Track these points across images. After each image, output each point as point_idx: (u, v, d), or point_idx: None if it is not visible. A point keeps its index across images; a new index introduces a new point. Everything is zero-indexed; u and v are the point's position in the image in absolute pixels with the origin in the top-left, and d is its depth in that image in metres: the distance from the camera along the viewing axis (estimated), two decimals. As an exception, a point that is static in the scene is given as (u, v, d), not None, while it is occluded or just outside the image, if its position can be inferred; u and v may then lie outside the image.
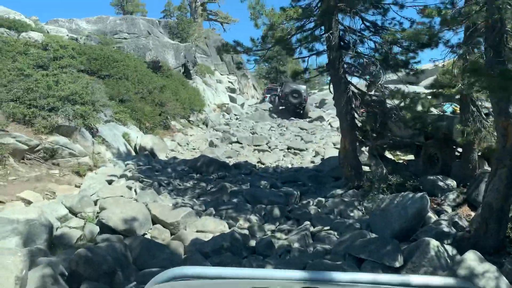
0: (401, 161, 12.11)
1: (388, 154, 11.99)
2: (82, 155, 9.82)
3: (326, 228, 6.51)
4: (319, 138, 15.94)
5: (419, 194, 6.11)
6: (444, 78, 13.60)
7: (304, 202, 7.94)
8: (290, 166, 11.36)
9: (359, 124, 8.46)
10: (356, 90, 7.93)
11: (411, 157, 12.18)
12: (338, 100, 7.94)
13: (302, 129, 18.69)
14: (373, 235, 5.84)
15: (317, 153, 12.78)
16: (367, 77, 8.24)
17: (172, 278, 1.69)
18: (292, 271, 1.89)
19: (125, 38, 21.03)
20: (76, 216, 6.91)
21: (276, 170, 10.70)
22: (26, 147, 8.97)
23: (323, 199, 7.88)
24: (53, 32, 17.46)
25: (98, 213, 6.89)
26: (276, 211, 7.21)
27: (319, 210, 7.46)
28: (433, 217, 6.38)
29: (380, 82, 7.55)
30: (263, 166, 11.47)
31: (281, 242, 6.07)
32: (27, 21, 16.17)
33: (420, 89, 13.29)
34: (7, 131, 9.00)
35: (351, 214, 7.15)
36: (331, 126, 18.73)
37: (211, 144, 14.48)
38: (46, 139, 9.55)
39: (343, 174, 8.46)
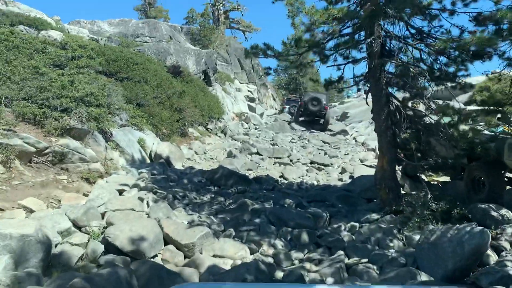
0: (434, 183, 11.13)
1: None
2: (93, 161, 9.14)
3: (363, 260, 5.61)
4: (344, 153, 15.02)
5: (478, 228, 5.18)
6: (482, 95, 12.46)
7: (335, 226, 7.05)
8: (315, 183, 10.48)
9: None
10: (398, 104, 7.05)
11: (441, 178, 11.22)
12: (378, 114, 7.08)
13: (325, 142, 17.80)
14: (423, 275, 4.93)
15: (343, 170, 11.87)
16: (409, 89, 7.37)
17: None
18: (307, 285, 1.92)
19: (146, 42, 20.59)
20: (80, 230, 6.17)
21: (300, 186, 9.83)
22: (34, 150, 8.33)
23: (356, 224, 6.97)
24: (74, 32, 17.09)
25: (105, 228, 6.13)
26: (304, 236, 6.34)
27: (353, 237, 6.56)
28: (492, 255, 5.42)
29: (428, 95, 6.67)
30: (286, 181, 10.61)
31: (312, 276, 5.20)
32: (48, 20, 15.79)
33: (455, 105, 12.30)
34: (15, 131, 8.39)
35: (391, 244, 6.23)
36: (356, 141, 17.79)
37: (230, 154, 13.71)
38: (56, 141, 8.91)
39: (379, 197, 7.56)
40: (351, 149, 16.10)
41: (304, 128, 22.52)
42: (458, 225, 5.38)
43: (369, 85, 7.32)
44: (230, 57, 34.62)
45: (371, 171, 10.08)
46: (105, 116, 10.23)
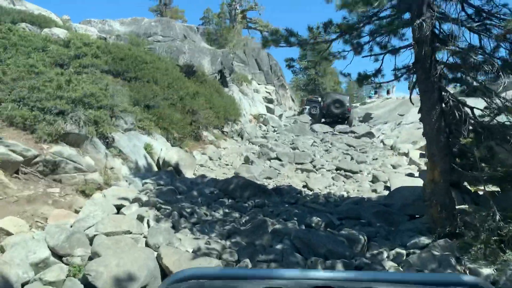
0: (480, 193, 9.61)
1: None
2: (91, 171, 8.03)
3: (419, 306, 4.25)
4: (372, 158, 13.58)
5: None
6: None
7: (375, 252, 5.70)
8: (345, 194, 9.11)
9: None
10: (455, 100, 5.65)
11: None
12: (428, 113, 5.70)
13: (349, 146, 16.37)
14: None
15: (375, 178, 10.46)
16: (466, 82, 5.98)
17: (185, 278, 1.66)
18: (306, 270, 2.00)
19: (159, 41, 19.56)
20: (61, 261, 5.01)
21: (328, 199, 8.48)
22: (21, 159, 7.25)
23: (403, 251, 5.61)
24: (82, 31, 16.14)
25: (90, 258, 4.96)
26: (340, 268, 5.02)
27: (401, 269, 5.21)
28: None
29: (499, 88, 5.27)
30: (310, 192, 9.28)
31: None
32: (53, 17, 14.88)
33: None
34: (0, 138, 7.33)
35: (451, 281, 4.83)
36: (384, 144, 16.28)
37: (247, 160, 12.46)
38: (49, 149, 7.83)
39: (429, 215, 6.16)
40: (380, 153, 14.64)
41: (325, 130, 21.15)
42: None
43: (415, 79, 5.95)
44: (248, 57, 33.52)
45: (411, 181, 8.69)
46: (106, 119, 9.13)
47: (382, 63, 6.34)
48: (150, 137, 11.20)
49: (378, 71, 6.51)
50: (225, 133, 16.68)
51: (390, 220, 6.95)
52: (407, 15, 6.07)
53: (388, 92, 40.77)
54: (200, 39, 24.88)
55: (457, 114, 5.45)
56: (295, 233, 5.74)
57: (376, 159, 13.55)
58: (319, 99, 30.32)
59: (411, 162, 12.12)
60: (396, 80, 6.72)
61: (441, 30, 5.83)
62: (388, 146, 15.92)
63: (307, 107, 28.84)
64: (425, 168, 11.10)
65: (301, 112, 29.24)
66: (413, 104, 6.57)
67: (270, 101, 30.12)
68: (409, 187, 7.76)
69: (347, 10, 5.39)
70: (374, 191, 9.15)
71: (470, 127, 5.88)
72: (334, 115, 22.32)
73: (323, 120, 23.95)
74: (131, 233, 5.81)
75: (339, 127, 21.96)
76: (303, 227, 6.47)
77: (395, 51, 6.50)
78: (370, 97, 48.03)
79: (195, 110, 14.08)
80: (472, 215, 5.76)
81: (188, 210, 7.02)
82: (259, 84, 31.99)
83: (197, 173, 10.50)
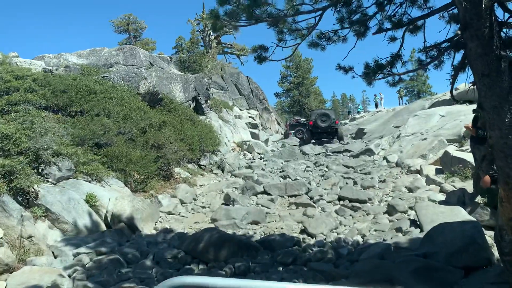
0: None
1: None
2: (-6, 246, 5.52)
3: None
4: (379, 180, 11.22)
5: None
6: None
7: None
8: (360, 239, 6.64)
9: None
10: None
11: None
12: (495, 110, 3.41)
13: (348, 167, 14.02)
14: None
15: (392, 208, 8.03)
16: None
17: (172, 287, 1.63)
18: (294, 284, 2.20)
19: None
20: None
21: (339, 251, 6.01)
22: None
23: None
24: (26, 65, 13.83)
25: None
26: None
27: None
28: None
29: None
30: (312, 241, 6.78)
31: None
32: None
33: None
34: None
35: None
36: (388, 161, 13.96)
37: (227, 198, 10.03)
38: None
39: (509, 273, 3.76)
40: (386, 173, 12.30)
41: (317, 152, 18.91)
42: None
43: (460, 60, 3.70)
44: (226, 83, 31.75)
45: (449, 213, 6.33)
46: (24, 168, 6.68)
47: (402, 42, 4.08)
48: (100, 184, 8.76)
49: (397, 57, 4.24)
50: (202, 167, 14.26)
51: (439, 280, 4.53)
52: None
53: (376, 105, 38.95)
54: (168, 66, 22.76)
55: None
56: None
57: (384, 180, 11.18)
58: (302, 120, 28.42)
59: (429, 181, 9.77)
60: (422, 69, 4.45)
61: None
62: (393, 163, 13.62)
63: (292, 131, 26.57)
64: (451, 188, 8.77)
65: (286, 136, 27.02)
66: (455, 101, 4.31)
67: (254, 126, 28.02)
68: (452, 224, 5.37)
69: None
70: (399, 230, 6.68)
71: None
72: (322, 129, 21.81)
73: (312, 141, 22.12)
74: None
75: (331, 146, 19.87)
76: (309, 313, 4.02)
77: (413, 26, 4.27)
78: (358, 112, 46.27)
79: (161, 144, 11.72)
80: None
81: (130, 298, 4.53)
82: (241, 110, 30.12)
83: (160, 227, 8.00)
